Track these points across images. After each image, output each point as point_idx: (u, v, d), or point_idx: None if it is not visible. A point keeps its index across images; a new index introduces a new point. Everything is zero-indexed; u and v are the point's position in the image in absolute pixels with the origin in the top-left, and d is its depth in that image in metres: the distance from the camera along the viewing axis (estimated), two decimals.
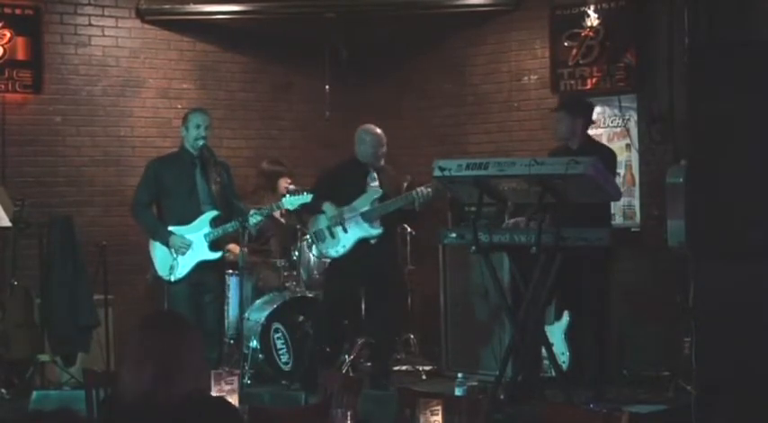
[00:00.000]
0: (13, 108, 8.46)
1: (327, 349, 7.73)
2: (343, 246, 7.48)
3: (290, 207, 7.34)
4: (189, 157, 7.23)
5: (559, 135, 7.23)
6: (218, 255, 7.20)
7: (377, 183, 7.54)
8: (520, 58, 8.89)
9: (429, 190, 7.27)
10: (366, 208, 7.45)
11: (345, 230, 7.46)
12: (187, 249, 7.07)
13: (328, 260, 7.75)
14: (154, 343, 3.43)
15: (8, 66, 8.36)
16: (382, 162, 7.59)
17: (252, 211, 7.16)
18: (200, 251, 7.12)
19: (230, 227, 7.08)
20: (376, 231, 7.46)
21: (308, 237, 8.05)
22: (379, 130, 7.60)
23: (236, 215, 7.09)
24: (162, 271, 7.15)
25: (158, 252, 7.17)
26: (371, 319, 7.71)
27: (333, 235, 7.50)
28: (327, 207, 7.45)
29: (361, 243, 7.45)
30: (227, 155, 8.33)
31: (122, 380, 3.43)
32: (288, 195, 7.37)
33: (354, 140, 7.62)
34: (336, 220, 7.44)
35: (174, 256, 7.09)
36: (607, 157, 6.97)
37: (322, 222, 7.52)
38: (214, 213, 7.16)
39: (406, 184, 7.52)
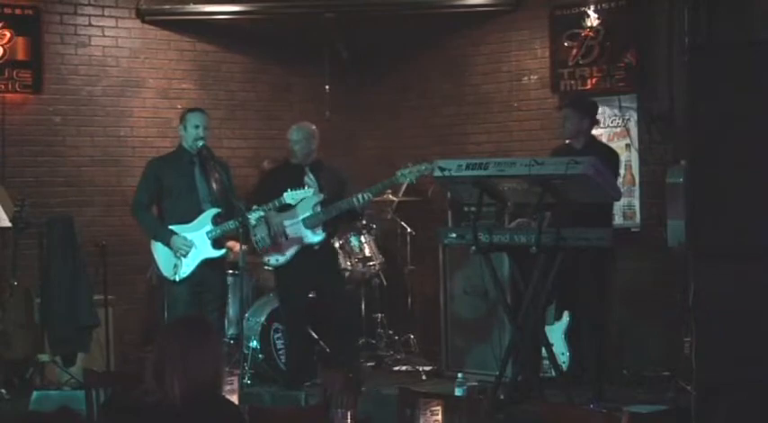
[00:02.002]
0: (13, 108, 8.46)
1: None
2: (284, 254, 7.44)
3: (292, 202, 7.28)
4: (187, 156, 7.22)
5: (566, 133, 7.21)
6: (221, 252, 7.19)
7: (314, 184, 7.43)
8: (520, 58, 8.89)
9: (370, 194, 7.29)
10: (307, 213, 7.40)
11: (287, 237, 7.42)
12: (189, 250, 7.06)
13: (271, 269, 7.66)
14: (177, 347, 3.48)
15: (8, 66, 8.37)
16: (296, 160, 7.51)
17: (254, 207, 7.14)
18: (204, 249, 7.11)
19: (231, 225, 7.06)
20: (318, 237, 7.43)
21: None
22: (311, 127, 7.60)
23: (236, 215, 7.07)
24: (166, 271, 7.13)
25: (161, 252, 7.15)
26: (328, 323, 7.59)
27: (275, 243, 7.44)
28: (270, 215, 7.38)
29: (304, 249, 7.41)
30: (227, 155, 8.34)
31: (146, 382, 3.48)
32: (289, 190, 7.31)
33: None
34: (278, 228, 7.37)
35: (177, 255, 7.08)
36: (610, 157, 6.98)
37: (262, 230, 7.42)
38: (215, 211, 7.15)
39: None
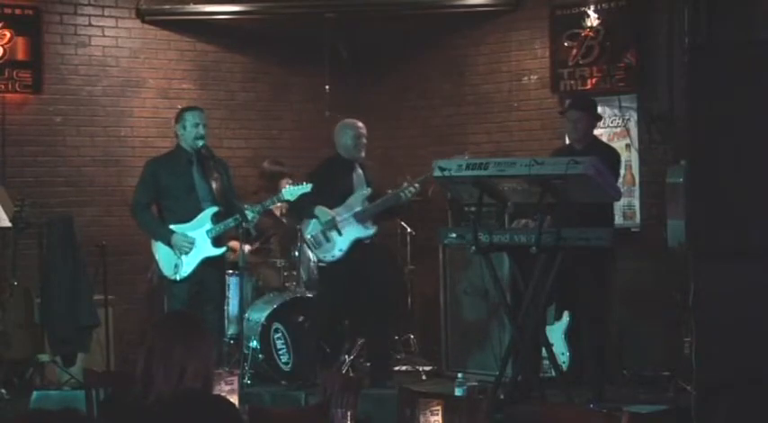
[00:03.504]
0: (13, 108, 8.46)
1: (327, 350, 7.73)
2: (340, 249, 7.46)
3: (291, 198, 7.30)
4: (186, 156, 7.21)
5: (575, 135, 7.10)
6: (221, 250, 7.19)
7: (362, 179, 7.55)
8: (520, 58, 8.89)
9: (417, 185, 7.35)
10: (358, 208, 7.45)
11: (340, 233, 7.44)
12: (190, 248, 7.06)
13: (324, 264, 7.67)
14: (168, 343, 3.47)
15: (8, 66, 8.37)
16: (363, 153, 7.59)
17: (246, 207, 7.13)
18: (204, 248, 7.11)
19: (231, 222, 7.06)
20: (371, 231, 7.48)
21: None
22: (359, 123, 7.63)
23: (235, 212, 7.08)
24: (167, 271, 7.13)
25: (162, 252, 7.16)
26: (369, 319, 7.62)
27: (328, 239, 7.47)
28: (320, 212, 7.42)
29: (357, 244, 7.45)
30: (227, 155, 8.33)
31: (138, 379, 3.47)
32: (288, 186, 7.33)
33: (334, 136, 7.64)
34: (331, 224, 7.42)
35: (178, 255, 7.08)
36: (611, 157, 6.96)
37: (314, 227, 7.50)
38: (215, 209, 7.14)
39: (405, 184, 7.52)
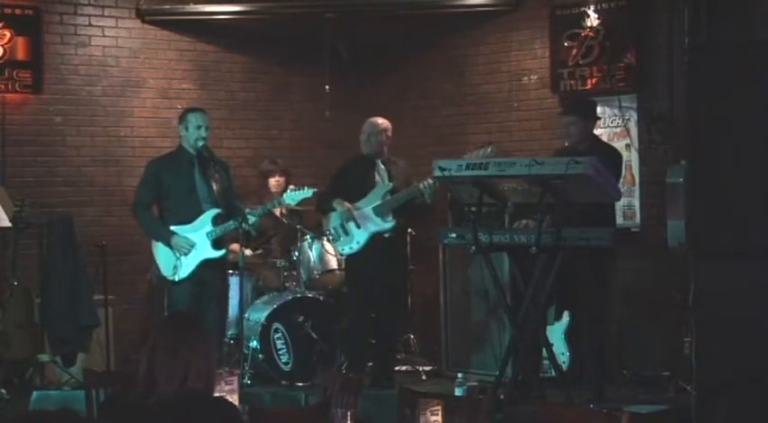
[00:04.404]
0: (13, 108, 8.46)
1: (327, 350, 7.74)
2: (357, 242, 7.52)
3: (292, 202, 7.40)
4: (188, 157, 7.23)
5: (572, 140, 7.10)
6: (221, 252, 7.21)
7: (385, 175, 7.61)
8: (520, 58, 8.89)
9: (434, 180, 7.31)
10: (377, 202, 7.49)
11: (358, 226, 7.49)
12: (190, 249, 7.07)
13: (343, 257, 7.80)
14: (170, 344, 3.47)
15: (8, 66, 8.37)
16: (376, 150, 7.62)
17: (248, 210, 7.16)
18: (204, 249, 7.12)
19: (231, 225, 7.10)
20: (389, 225, 7.51)
21: (308, 237, 8.08)
22: (380, 120, 7.69)
23: (236, 214, 7.10)
24: (166, 271, 7.14)
25: (161, 252, 7.17)
26: (381, 318, 7.65)
27: (346, 232, 7.55)
28: (337, 203, 7.53)
29: (376, 238, 7.48)
30: (227, 155, 8.34)
31: (141, 380, 3.47)
32: (289, 191, 7.41)
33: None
34: (347, 215, 7.47)
35: (178, 255, 7.09)
36: (612, 157, 6.95)
37: (335, 220, 7.58)
38: (216, 211, 7.16)
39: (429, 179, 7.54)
